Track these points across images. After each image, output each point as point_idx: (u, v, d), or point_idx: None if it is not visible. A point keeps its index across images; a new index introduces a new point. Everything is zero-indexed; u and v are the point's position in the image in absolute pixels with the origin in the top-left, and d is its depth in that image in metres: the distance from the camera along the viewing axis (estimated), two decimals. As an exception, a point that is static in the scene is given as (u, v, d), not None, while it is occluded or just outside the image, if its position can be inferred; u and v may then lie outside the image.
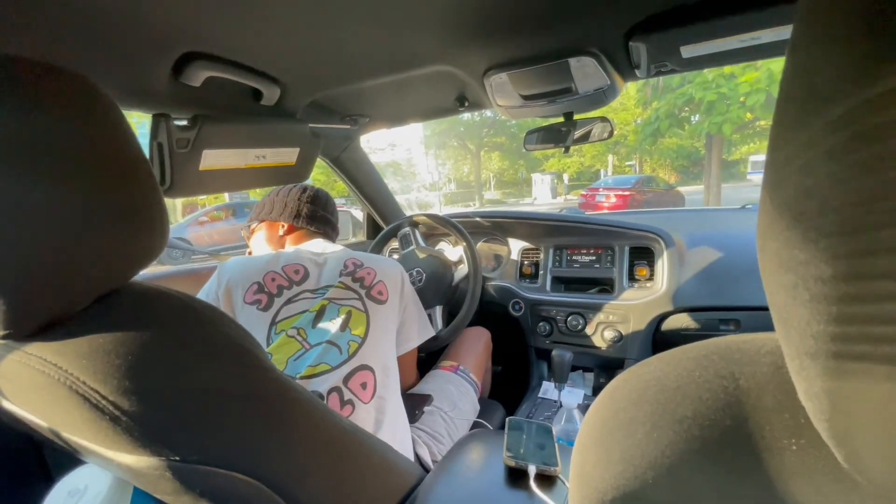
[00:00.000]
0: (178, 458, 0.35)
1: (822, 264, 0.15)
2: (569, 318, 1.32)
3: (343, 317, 0.78)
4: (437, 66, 0.88)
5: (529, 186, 22.20)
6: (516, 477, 0.56)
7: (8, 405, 0.40)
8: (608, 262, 1.34)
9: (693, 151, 17.97)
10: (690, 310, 1.17)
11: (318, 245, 0.96)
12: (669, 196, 11.10)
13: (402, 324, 0.91)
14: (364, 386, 0.72)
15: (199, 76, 0.72)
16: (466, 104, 1.11)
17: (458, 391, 1.02)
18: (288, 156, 1.05)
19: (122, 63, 0.65)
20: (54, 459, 0.75)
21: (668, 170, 20.32)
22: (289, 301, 0.78)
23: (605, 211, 9.88)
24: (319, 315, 0.77)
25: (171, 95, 0.76)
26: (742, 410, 0.20)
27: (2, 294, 0.31)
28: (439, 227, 1.37)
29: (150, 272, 1.16)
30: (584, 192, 11.56)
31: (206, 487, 0.37)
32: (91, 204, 0.33)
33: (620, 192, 10.15)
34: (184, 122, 0.81)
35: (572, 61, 0.83)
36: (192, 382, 0.36)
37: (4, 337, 0.34)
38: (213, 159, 0.89)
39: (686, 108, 10.49)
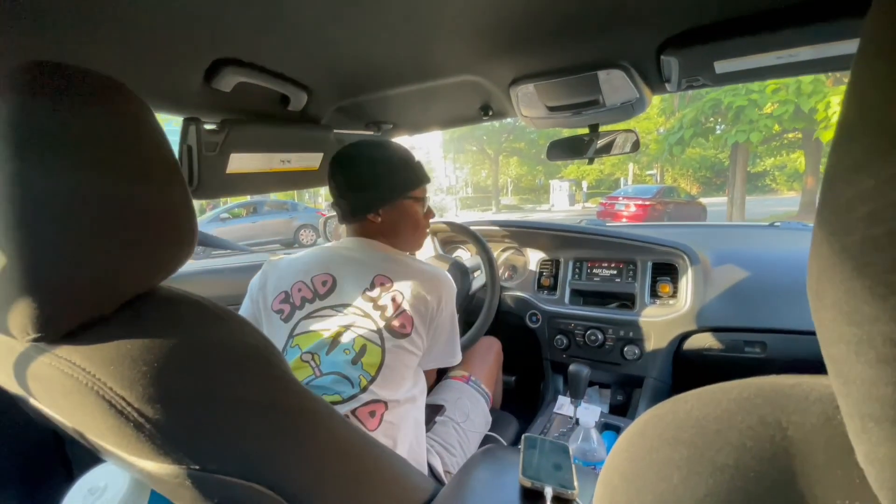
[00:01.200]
0: (197, 468, 0.35)
1: (893, 324, 0.14)
2: (587, 333, 1.30)
3: (357, 349, 0.73)
4: (464, 76, 0.88)
5: (547, 193, 22.04)
6: (532, 498, 0.55)
7: (35, 403, 0.41)
8: (630, 276, 1.32)
9: (716, 162, 17.57)
10: (714, 329, 1.14)
11: (364, 245, 0.85)
12: (691, 207, 10.88)
13: (427, 349, 0.82)
14: (372, 414, 0.70)
15: (229, 82, 0.73)
16: (491, 113, 1.11)
17: (470, 402, 1.01)
18: (311, 160, 1.07)
19: (157, 68, 0.67)
20: (76, 455, 0.77)
21: (689, 180, 19.93)
22: (308, 316, 0.77)
23: (624, 220, 9.73)
24: (334, 344, 0.74)
25: (202, 100, 0.78)
26: (791, 465, 0.19)
27: (34, 296, 0.32)
28: (457, 234, 1.36)
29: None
30: (603, 201, 11.41)
31: (224, 497, 0.37)
32: (121, 207, 0.34)
33: (640, 202, 9.99)
34: (213, 126, 0.83)
35: (601, 74, 0.82)
36: (216, 392, 0.36)
37: (36, 340, 0.34)
38: (239, 162, 0.91)
39: (712, 119, 10.28)
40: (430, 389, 1.05)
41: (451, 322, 0.84)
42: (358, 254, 0.83)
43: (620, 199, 10.47)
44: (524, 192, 26.25)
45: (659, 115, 14.78)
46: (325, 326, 0.75)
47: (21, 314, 0.32)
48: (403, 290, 0.78)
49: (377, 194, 0.83)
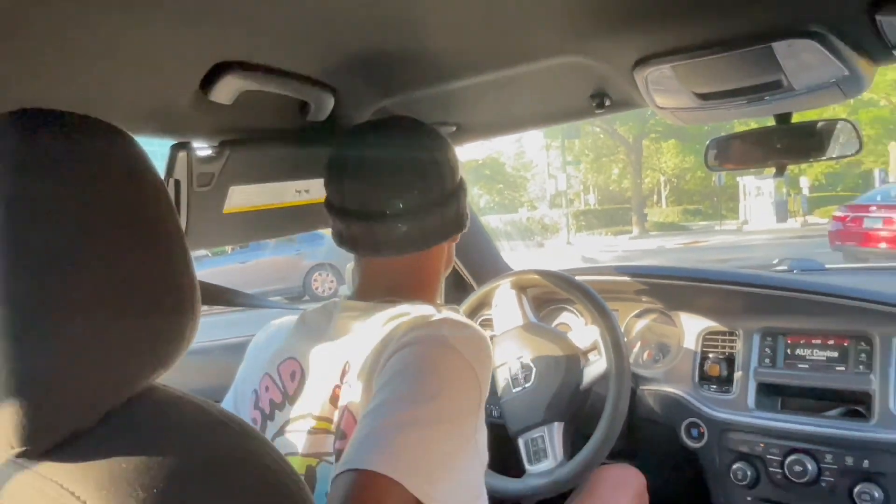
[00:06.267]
0: None
1: None
2: (789, 459, 1.27)
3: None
4: (564, 58, 0.98)
5: (734, 201, 21.20)
6: None
7: None
8: (860, 363, 1.30)
9: None
10: None
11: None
12: None
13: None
14: None
15: (231, 90, 0.89)
16: (608, 104, 1.21)
17: None
18: None
19: (143, 81, 0.83)
20: None
21: None
22: (280, 432, 0.83)
23: (883, 247, 9.09)
24: (309, 483, 0.75)
25: (195, 118, 0.94)
26: None
27: (21, 402, 0.43)
28: (560, 291, 1.41)
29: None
30: (839, 213, 10.77)
31: None
32: (118, 289, 0.46)
33: (914, 215, 9.31)
34: (208, 152, 0.98)
35: (779, 46, 0.89)
36: None
37: (20, 455, 0.45)
38: (241, 198, 1.06)
39: None
40: None
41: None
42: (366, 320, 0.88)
43: (873, 208, 9.84)
44: (690, 198, 25.30)
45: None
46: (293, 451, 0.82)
47: (5, 424, 0.43)
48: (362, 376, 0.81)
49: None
